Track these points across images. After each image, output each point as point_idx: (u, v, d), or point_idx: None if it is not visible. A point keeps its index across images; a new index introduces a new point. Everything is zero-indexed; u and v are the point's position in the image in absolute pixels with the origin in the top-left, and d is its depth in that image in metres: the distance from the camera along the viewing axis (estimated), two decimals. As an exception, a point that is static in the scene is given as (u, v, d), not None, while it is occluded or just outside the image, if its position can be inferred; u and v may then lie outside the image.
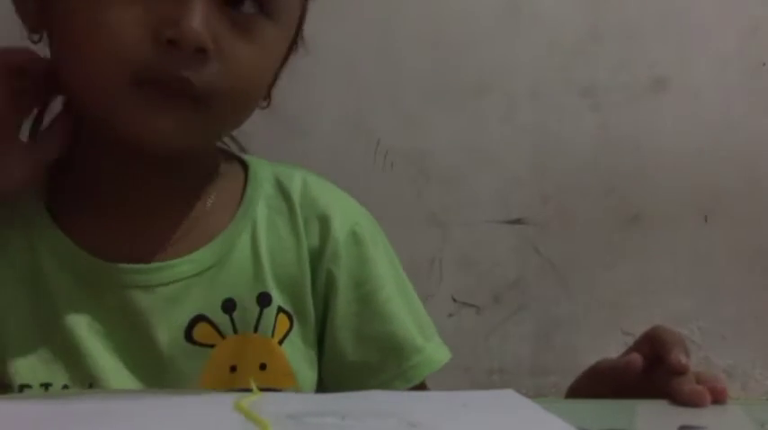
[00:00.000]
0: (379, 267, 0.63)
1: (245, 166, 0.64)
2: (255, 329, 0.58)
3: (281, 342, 0.59)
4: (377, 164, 1.13)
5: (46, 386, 0.55)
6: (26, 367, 0.55)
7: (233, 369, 0.58)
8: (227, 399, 0.44)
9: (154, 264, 0.57)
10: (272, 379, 0.59)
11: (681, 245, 1.18)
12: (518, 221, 1.18)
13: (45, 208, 0.58)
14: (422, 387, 0.64)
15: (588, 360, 1.17)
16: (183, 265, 0.57)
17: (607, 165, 1.18)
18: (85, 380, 0.55)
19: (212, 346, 0.57)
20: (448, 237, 1.17)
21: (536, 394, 0.62)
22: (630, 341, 1.17)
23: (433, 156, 1.15)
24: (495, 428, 0.40)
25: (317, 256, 0.61)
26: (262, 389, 0.57)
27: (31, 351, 0.55)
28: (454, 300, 1.17)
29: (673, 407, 0.47)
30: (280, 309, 0.59)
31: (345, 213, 0.63)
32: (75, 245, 0.56)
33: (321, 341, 0.62)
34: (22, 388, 0.55)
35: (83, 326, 0.55)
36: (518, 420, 0.42)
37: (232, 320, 0.57)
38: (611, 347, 1.18)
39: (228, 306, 0.57)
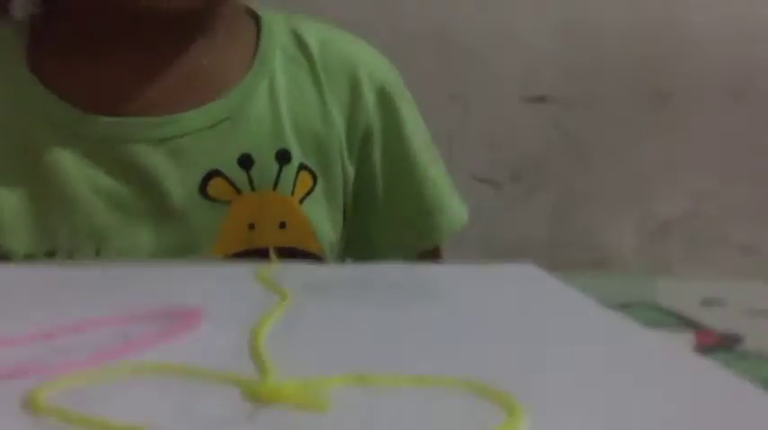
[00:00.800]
0: (409, 123, 0.61)
1: (255, 18, 0.60)
2: (275, 187, 0.56)
3: (302, 200, 0.57)
4: (398, 43, 1.10)
5: (50, 254, 0.53)
6: (27, 236, 0.53)
7: (251, 227, 0.56)
8: (249, 270, 0.44)
9: (161, 117, 0.54)
10: (293, 238, 0.57)
11: (709, 124, 1.15)
12: (541, 99, 1.16)
13: (27, 66, 0.54)
14: (436, 253, 0.64)
15: (605, 237, 1.18)
16: (195, 118, 0.54)
17: (635, 41, 1.14)
18: (92, 243, 0.53)
19: (228, 202, 0.55)
20: (469, 113, 1.15)
21: (552, 270, 0.62)
22: (650, 220, 1.18)
23: (456, 30, 1.11)
24: (514, 300, 0.40)
25: (348, 118, 0.58)
26: (282, 248, 0.56)
27: (30, 219, 0.53)
28: (473, 178, 1.16)
29: (693, 281, 0.47)
30: (301, 167, 0.57)
31: (373, 70, 0.60)
32: (66, 102, 0.53)
33: (352, 200, 0.61)
34: (26, 257, 0.53)
35: (84, 187, 0.53)
36: (538, 293, 0.42)
37: (249, 177, 0.55)
38: (630, 225, 1.19)
39: (245, 161, 0.55)
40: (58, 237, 0.54)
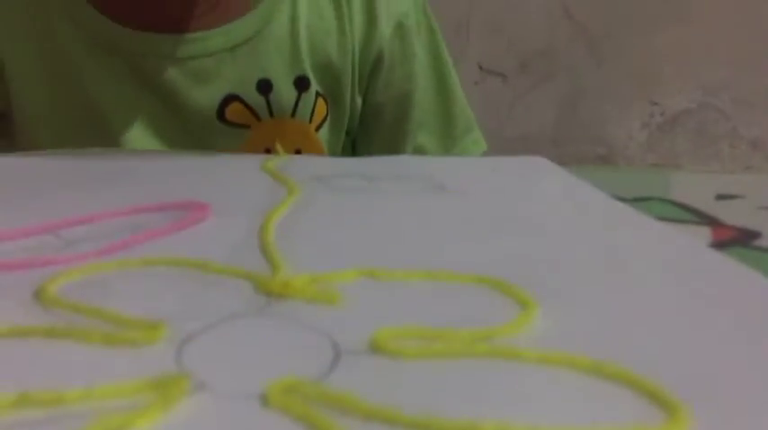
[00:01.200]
0: (419, 63, 0.60)
1: None
2: (293, 114, 0.56)
3: (318, 128, 0.58)
4: None
5: None
6: (50, 136, 0.54)
7: (267, 152, 0.56)
8: (254, 161, 0.43)
9: (183, 35, 0.54)
10: None
11: (726, 8, 1.11)
12: (551, -16, 1.11)
13: None
14: None
15: (613, 130, 1.16)
16: (215, 38, 0.54)
17: None
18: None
19: (247, 128, 0.56)
20: (476, 1, 1.11)
21: (558, 164, 0.62)
22: (657, 112, 1.16)
23: None
24: (525, 193, 0.39)
25: (362, 48, 0.58)
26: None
27: (54, 120, 0.54)
28: (480, 68, 1.14)
29: (707, 176, 0.46)
30: (318, 95, 0.57)
31: (392, 2, 0.59)
32: (95, 9, 0.53)
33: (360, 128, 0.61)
34: None
35: (108, 97, 0.54)
36: (550, 186, 0.41)
37: (268, 102, 0.55)
38: (637, 117, 1.17)
39: (264, 87, 0.55)
40: (79, 142, 0.53)
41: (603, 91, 1.15)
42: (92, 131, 0.54)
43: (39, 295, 0.24)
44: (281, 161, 0.43)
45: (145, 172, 0.42)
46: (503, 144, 1.16)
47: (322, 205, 0.36)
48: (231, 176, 0.42)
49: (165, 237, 0.30)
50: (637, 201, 0.39)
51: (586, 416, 0.18)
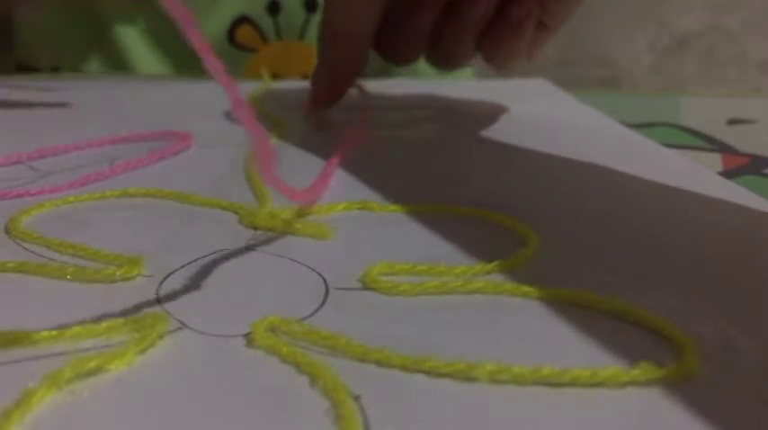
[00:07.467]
0: None
1: None
2: (301, 36, 0.55)
3: None
4: None
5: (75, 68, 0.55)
6: (56, 50, 0.54)
7: (274, 77, 0.57)
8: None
9: None
10: None
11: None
12: None
13: None
14: None
15: (617, 52, 1.13)
16: None
17: None
18: (120, 70, 0.55)
19: (255, 51, 0.56)
20: None
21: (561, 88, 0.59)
22: (666, 33, 1.12)
23: None
24: (525, 118, 0.38)
25: None
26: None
27: (63, 36, 0.54)
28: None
29: (717, 100, 0.44)
30: None
31: None
32: None
33: None
34: (53, 70, 0.55)
35: (118, 17, 0.53)
36: (552, 111, 0.39)
37: (276, 24, 0.55)
38: (643, 39, 1.14)
39: (273, 7, 0.55)
40: (88, 57, 0.54)
41: (607, 10, 1.11)
42: (95, 48, 0.54)
43: (9, 229, 0.23)
44: (270, 89, 0.42)
45: (124, 99, 0.40)
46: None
47: (311, 133, 0.34)
48: (216, 105, 0.40)
49: (145, 168, 0.28)
50: (644, 126, 0.37)
51: (592, 357, 0.17)
